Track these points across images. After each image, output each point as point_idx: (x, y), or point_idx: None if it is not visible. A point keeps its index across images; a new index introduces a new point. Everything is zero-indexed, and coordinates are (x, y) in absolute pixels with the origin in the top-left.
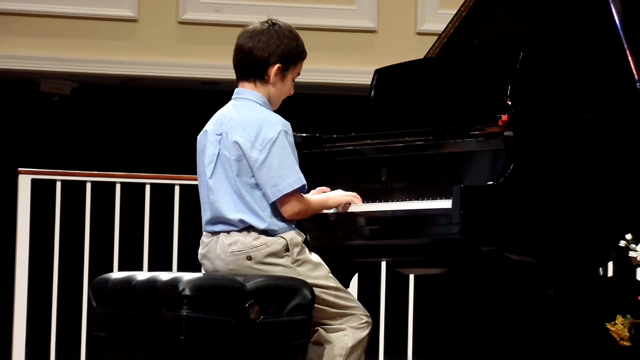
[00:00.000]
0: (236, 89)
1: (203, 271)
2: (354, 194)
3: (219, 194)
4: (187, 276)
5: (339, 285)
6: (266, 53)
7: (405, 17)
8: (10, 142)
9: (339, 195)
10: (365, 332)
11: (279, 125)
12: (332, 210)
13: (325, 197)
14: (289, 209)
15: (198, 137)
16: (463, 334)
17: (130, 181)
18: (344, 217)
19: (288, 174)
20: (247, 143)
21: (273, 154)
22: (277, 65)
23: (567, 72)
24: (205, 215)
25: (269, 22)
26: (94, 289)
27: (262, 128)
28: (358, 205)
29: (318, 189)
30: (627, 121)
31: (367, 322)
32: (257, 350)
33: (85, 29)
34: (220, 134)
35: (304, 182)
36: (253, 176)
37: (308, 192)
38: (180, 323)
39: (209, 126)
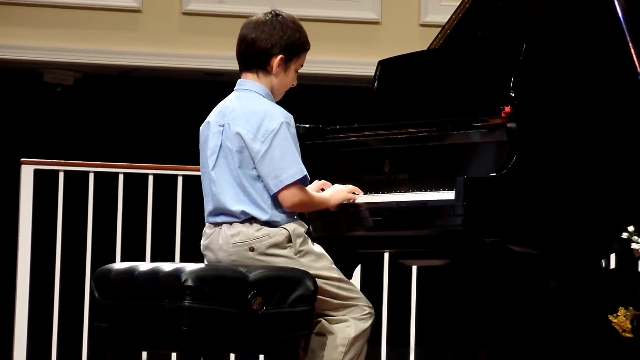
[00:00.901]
0: (239, 80)
1: (205, 262)
2: (352, 187)
3: (221, 186)
4: (190, 267)
5: (341, 276)
6: (269, 44)
7: (409, 9)
8: (13, 132)
9: (339, 190)
10: (368, 323)
11: (281, 116)
12: None
13: (328, 197)
14: (289, 199)
15: (200, 128)
16: (465, 325)
17: (133, 172)
18: (346, 208)
19: (290, 166)
20: (249, 134)
21: (275, 145)
22: (279, 56)
23: (570, 64)
24: (208, 207)
25: (273, 12)
26: (97, 279)
27: (264, 119)
28: (361, 197)
29: (317, 183)
30: (629, 114)
31: (369, 313)
32: (260, 341)
33: (89, 20)
34: (223, 125)
35: (306, 173)
36: (255, 168)
37: (310, 183)
38: (183, 314)
39: (212, 117)
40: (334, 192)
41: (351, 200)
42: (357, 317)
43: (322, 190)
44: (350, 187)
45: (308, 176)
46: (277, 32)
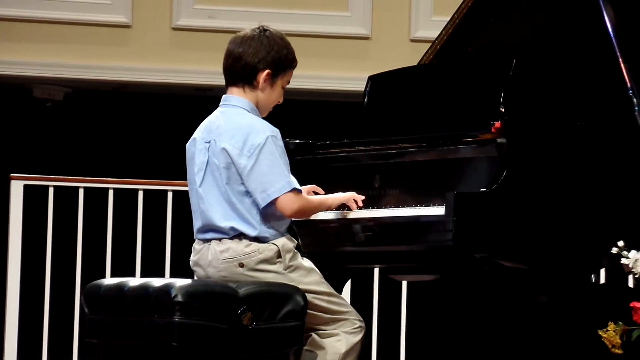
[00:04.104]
0: (224, 96)
1: (195, 278)
2: (353, 194)
3: (210, 202)
4: (180, 282)
5: (331, 290)
6: (256, 58)
7: (399, 24)
8: (3, 147)
9: (340, 195)
10: (359, 336)
11: (267, 131)
12: (324, 216)
13: (324, 197)
14: (288, 207)
15: (187, 145)
16: (455, 341)
17: (123, 187)
18: (336, 223)
19: (277, 179)
20: (235, 150)
21: (261, 160)
22: (266, 71)
23: (560, 79)
24: (197, 223)
25: (260, 28)
26: (87, 295)
27: (250, 135)
28: (351, 212)
29: (308, 187)
30: (619, 129)
31: (360, 326)
32: (250, 357)
33: (79, 35)
34: (209, 142)
35: (295, 185)
36: (242, 183)
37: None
38: (173, 329)
39: (197, 134)
40: (333, 194)
41: (347, 212)
42: (348, 331)
43: (315, 193)
44: (351, 194)
45: (299, 187)
46: (264, 47)
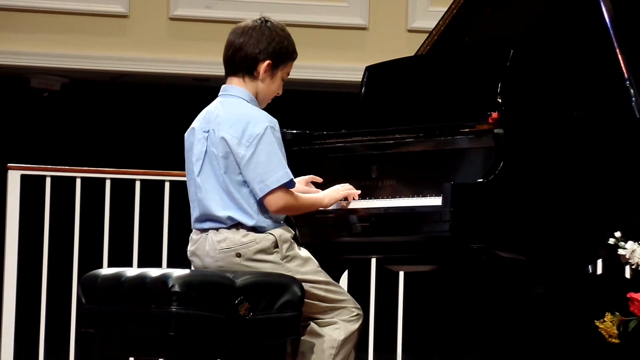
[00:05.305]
0: (223, 86)
1: (192, 268)
2: (349, 186)
3: (207, 192)
4: (177, 272)
5: (329, 279)
6: (257, 49)
7: (396, 14)
8: (0, 137)
9: (335, 190)
10: (357, 324)
11: (266, 121)
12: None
13: (322, 197)
14: (274, 203)
15: (185, 134)
16: (452, 331)
17: (120, 177)
18: (333, 213)
19: (275, 170)
20: (233, 140)
21: (260, 150)
22: (267, 62)
23: (558, 70)
24: (194, 213)
25: (262, 19)
26: (84, 285)
27: (249, 124)
28: (348, 202)
29: (304, 177)
30: (617, 119)
31: (358, 314)
32: (247, 346)
33: (76, 25)
34: (208, 131)
35: (292, 177)
36: (240, 173)
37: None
38: (170, 319)
39: (196, 123)
40: (328, 192)
41: (346, 203)
42: (346, 319)
43: (311, 183)
44: (347, 187)
45: (294, 180)
46: (266, 37)
